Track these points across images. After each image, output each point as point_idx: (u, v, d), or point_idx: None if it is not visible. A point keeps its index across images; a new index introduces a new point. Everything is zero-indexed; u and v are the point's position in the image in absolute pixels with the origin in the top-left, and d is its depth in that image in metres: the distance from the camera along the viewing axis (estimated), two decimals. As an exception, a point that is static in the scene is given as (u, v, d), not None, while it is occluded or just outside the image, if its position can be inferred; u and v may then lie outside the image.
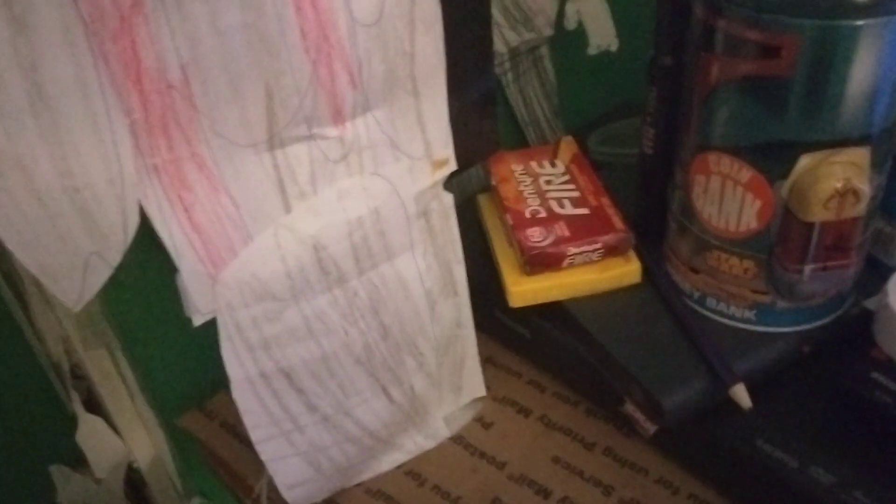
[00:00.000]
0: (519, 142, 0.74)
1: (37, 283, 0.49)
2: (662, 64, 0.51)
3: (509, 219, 0.55)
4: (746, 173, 0.44)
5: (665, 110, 0.51)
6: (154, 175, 0.40)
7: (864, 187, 0.42)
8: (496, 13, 0.66)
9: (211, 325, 0.44)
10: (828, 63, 0.40)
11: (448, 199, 0.51)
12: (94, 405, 0.55)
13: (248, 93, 0.40)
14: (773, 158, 0.43)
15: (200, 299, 0.43)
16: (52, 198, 0.37)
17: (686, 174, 0.48)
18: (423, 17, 0.45)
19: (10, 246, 0.37)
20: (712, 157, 0.45)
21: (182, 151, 0.40)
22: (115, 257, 0.40)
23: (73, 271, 0.39)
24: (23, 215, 0.36)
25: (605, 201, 0.55)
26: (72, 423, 0.54)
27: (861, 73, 0.40)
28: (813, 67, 0.40)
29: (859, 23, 0.39)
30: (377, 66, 0.44)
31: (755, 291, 0.48)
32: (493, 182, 0.59)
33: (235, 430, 0.57)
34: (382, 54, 0.44)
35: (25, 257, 0.37)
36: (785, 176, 0.43)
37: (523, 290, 0.53)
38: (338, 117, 0.44)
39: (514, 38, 0.69)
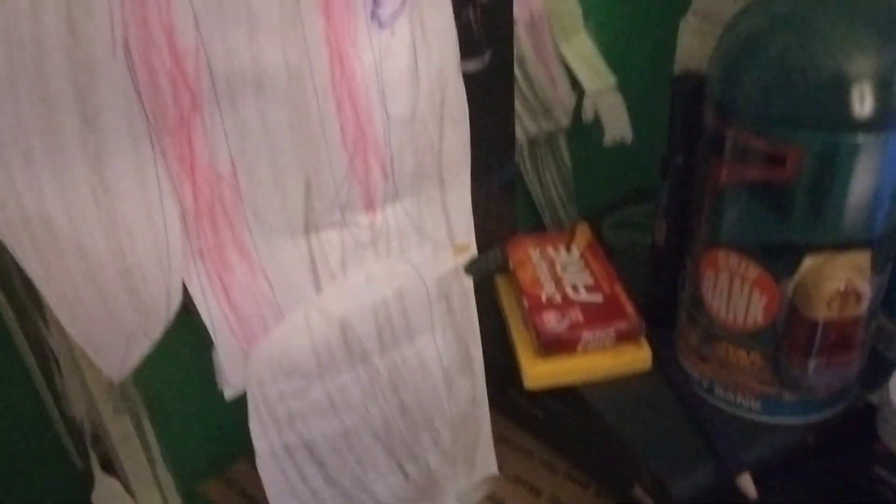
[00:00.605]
0: (535, 223, 0.77)
1: (69, 351, 0.51)
2: (674, 162, 0.54)
3: (526, 302, 0.58)
4: (754, 271, 0.47)
5: (677, 205, 0.54)
6: (199, 258, 0.42)
7: (866, 288, 0.45)
8: (517, 104, 0.70)
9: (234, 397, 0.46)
10: (830, 173, 0.43)
11: (468, 282, 0.54)
12: (110, 467, 0.57)
13: (290, 183, 0.43)
14: (778, 258, 0.46)
15: (233, 374, 0.45)
16: (104, 278, 0.39)
17: (696, 268, 0.51)
18: (451, 116, 0.48)
19: (63, 320, 0.39)
20: (721, 254, 0.48)
21: (226, 236, 0.43)
22: (157, 333, 0.42)
23: (117, 345, 0.41)
24: (77, 293, 0.39)
25: (619, 288, 0.58)
26: (80, 482, 0.55)
27: (862, 182, 0.43)
28: (816, 176, 0.43)
29: (860, 137, 0.42)
30: (408, 160, 0.48)
31: (762, 383, 0.50)
32: (511, 265, 0.62)
33: (254, 500, 0.58)
34: (413, 149, 0.48)
35: (75, 331, 0.40)
36: (790, 275, 0.46)
37: (538, 372, 0.55)
38: (369, 206, 0.47)
39: (533, 128, 0.72)
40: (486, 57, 0.51)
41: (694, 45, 0.65)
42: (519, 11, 0.64)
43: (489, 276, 0.65)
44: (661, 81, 0.77)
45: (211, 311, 0.44)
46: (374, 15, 0.42)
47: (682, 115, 0.52)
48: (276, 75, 0.40)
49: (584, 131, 0.75)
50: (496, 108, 0.54)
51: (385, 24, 0.43)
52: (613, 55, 0.72)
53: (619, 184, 0.79)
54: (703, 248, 0.50)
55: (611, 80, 0.73)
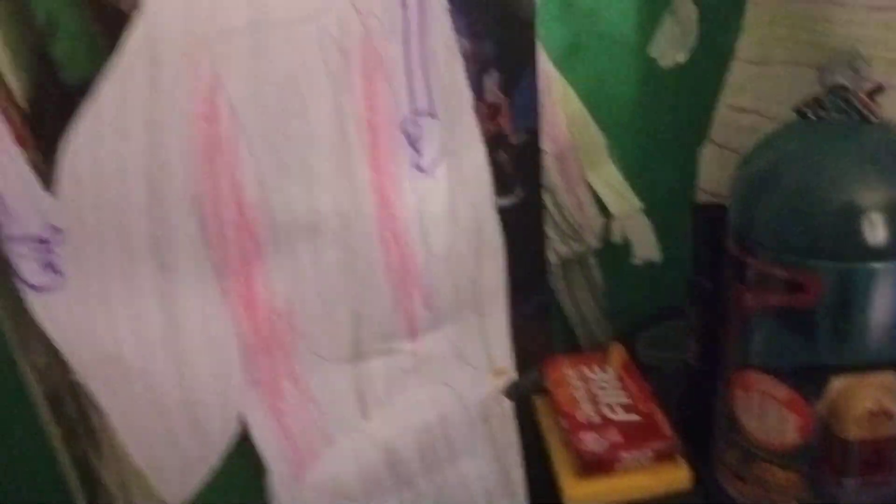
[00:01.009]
0: (569, 341, 0.79)
1: (119, 475, 0.53)
2: (701, 286, 0.56)
3: (564, 423, 0.59)
4: (784, 392, 0.48)
5: (707, 326, 0.56)
6: (255, 388, 0.45)
7: (895, 408, 0.46)
8: (549, 229, 0.73)
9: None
10: (849, 299, 0.45)
11: (507, 405, 0.56)
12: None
13: (339, 317, 0.47)
14: (807, 380, 0.47)
15: (286, 497, 0.47)
16: (169, 409, 0.42)
17: (729, 388, 0.52)
18: (488, 249, 0.52)
19: (129, 447, 0.42)
20: (752, 375, 0.50)
21: (280, 367, 0.46)
22: (215, 459, 0.45)
23: (177, 471, 0.44)
24: (144, 423, 0.42)
25: (655, 408, 0.59)
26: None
27: (881, 306, 0.45)
28: (836, 302, 0.45)
29: (875, 265, 0.44)
30: (447, 291, 0.51)
31: (800, 501, 0.50)
32: (548, 385, 0.64)
33: None
34: (452, 281, 0.51)
35: (139, 458, 0.43)
36: (820, 395, 0.47)
37: (578, 492, 0.56)
38: (412, 335, 0.50)
39: (564, 250, 0.75)
40: (518, 192, 0.55)
41: (714, 172, 0.69)
42: (547, 145, 0.68)
43: (527, 396, 0.67)
44: (685, 203, 0.80)
45: (266, 439, 0.46)
46: (416, 164, 0.46)
47: (705, 242, 0.55)
48: (329, 221, 0.44)
49: (613, 252, 0.78)
50: (529, 237, 0.57)
51: (426, 171, 0.47)
52: (638, 181, 0.75)
53: (649, 300, 0.81)
54: (734, 369, 0.52)
55: (636, 204, 0.76)
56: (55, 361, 0.59)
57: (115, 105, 0.37)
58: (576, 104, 0.71)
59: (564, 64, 0.69)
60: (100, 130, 0.37)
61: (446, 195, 0.48)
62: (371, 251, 0.46)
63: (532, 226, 0.58)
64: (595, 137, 0.74)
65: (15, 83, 0.45)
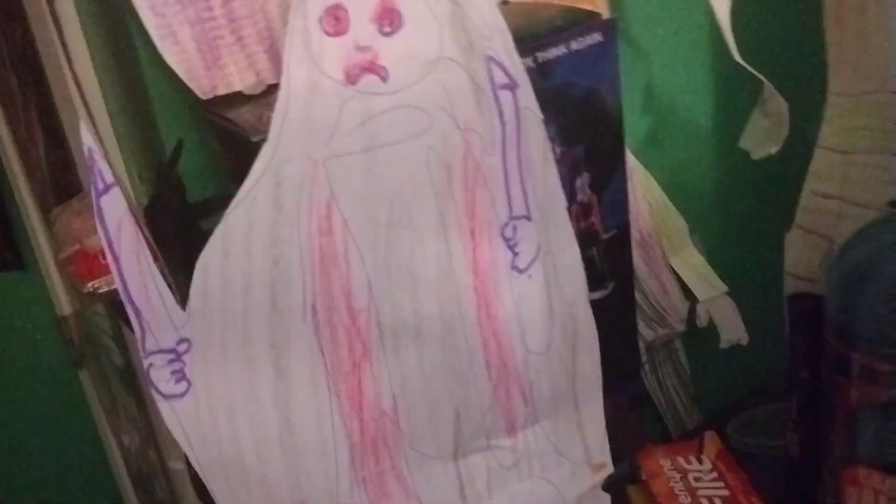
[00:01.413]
0: (658, 427, 0.78)
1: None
2: (800, 378, 0.56)
3: (663, 516, 0.58)
4: (896, 488, 0.47)
5: (807, 418, 0.56)
6: (362, 486, 0.47)
7: None
8: (634, 314, 0.74)
9: None
10: (962, 393, 0.44)
11: (606, 499, 0.56)
12: None
13: (442, 415, 0.48)
14: (921, 476, 0.46)
15: None
16: (283, 508, 0.44)
17: (836, 483, 0.51)
18: (583, 344, 0.53)
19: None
20: (861, 472, 0.49)
21: (385, 465, 0.47)
22: (324, 559, 0.46)
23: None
24: (258, 524, 0.44)
25: (755, 501, 0.58)
26: None
27: None
28: (948, 396, 0.44)
29: None
30: (545, 387, 0.52)
31: None
32: (644, 477, 0.63)
33: None
34: (550, 376, 0.52)
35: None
36: (936, 493, 0.46)
37: (681, 590, 0.55)
38: (511, 430, 0.51)
39: (649, 335, 0.75)
40: (610, 285, 0.56)
41: (801, 256, 0.68)
42: (631, 233, 0.69)
43: (622, 488, 0.67)
44: (770, 285, 0.79)
45: (372, 537, 0.47)
46: (513, 265, 0.48)
47: (801, 333, 0.54)
48: (433, 323, 0.46)
49: (699, 335, 0.78)
50: (621, 328, 0.58)
51: (523, 271, 0.49)
52: (722, 264, 0.75)
53: (739, 384, 0.80)
54: (842, 464, 0.51)
55: (721, 287, 0.76)
56: (148, 445, 0.62)
57: (243, 226, 0.40)
58: (657, 192, 0.73)
59: (645, 153, 0.70)
60: (228, 249, 0.40)
61: (543, 294, 0.50)
62: (472, 351, 0.48)
63: (624, 317, 0.58)
64: (677, 223, 0.74)
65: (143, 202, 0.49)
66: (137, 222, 0.37)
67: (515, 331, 0.49)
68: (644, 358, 0.77)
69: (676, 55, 0.70)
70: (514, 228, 0.47)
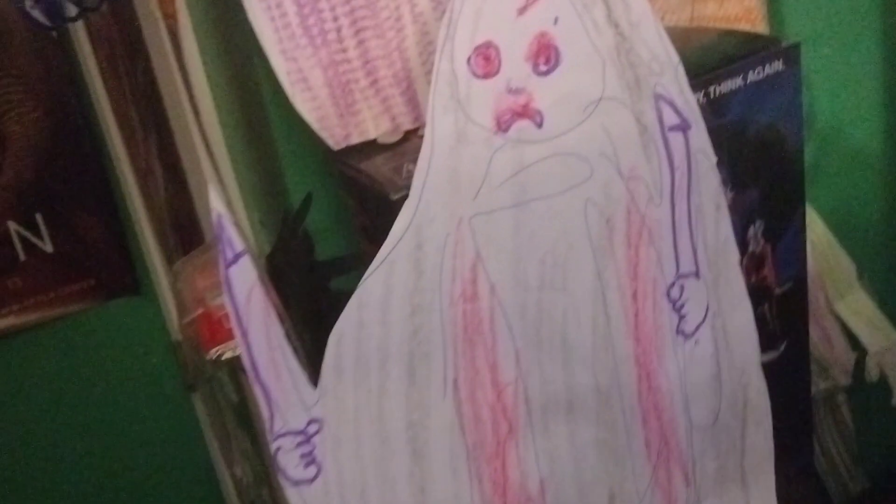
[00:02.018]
0: (818, 492, 0.69)
1: None
2: None
3: None
4: None
5: None
6: (504, 578, 0.41)
7: None
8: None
9: None
10: None
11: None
12: None
13: (594, 498, 0.42)
14: None
15: None
16: None
17: None
18: (754, 415, 0.46)
19: None
20: None
21: (531, 554, 0.42)
22: None
23: None
24: None
25: None
26: None
27: None
28: None
29: None
30: (709, 464, 0.45)
31: None
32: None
33: None
34: (715, 453, 0.45)
35: None
36: None
37: None
38: (671, 514, 0.45)
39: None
40: (783, 345, 0.49)
41: None
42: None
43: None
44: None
45: None
46: (680, 329, 0.42)
47: None
48: (587, 397, 0.40)
49: (867, 390, 0.69)
50: (795, 393, 0.51)
51: (690, 336, 0.42)
52: (895, 311, 0.67)
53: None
54: None
55: (894, 336, 0.67)
56: (262, 483, 0.58)
57: (381, 293, 0.35)
58: (820, 228, 0.65)
59: (807, 187, 0.62)
60: (364, 319, 0.35)
61: (711, 360, 0.43)
62: (630, 427, 0.42)
63: (797, 379, 0.51)
64: (843, 264, 0.66)
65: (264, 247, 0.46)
66: (267, 291, 0.33)
67: (679, 403, 0.43)
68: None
69: (842, 78, 0.62)
70: (682, 288, 0.41)
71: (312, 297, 0.43)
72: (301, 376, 0.35)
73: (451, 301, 0.37)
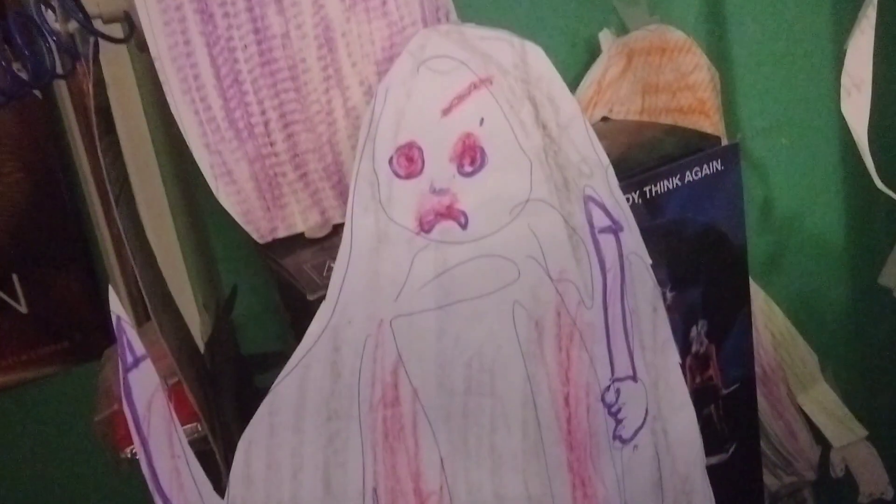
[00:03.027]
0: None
1: None
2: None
3: None
4: None
5: None
6: None
7: None
8: (754, 461, 0.64)
9: None
10: None
11: None
12: None
13: None
14: None
15: None
16: None
17: None
18: None
19: None
20: None
21: None
22: None
23: None
24: None
25: None
26: None
27: None
28: None
29: None
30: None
31: None
32: None
33: None
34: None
35: None
36: None
37: None
38: None
39: (774, 483, 0.65)
40: (730, 448, 0.48)
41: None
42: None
43: None
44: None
45: None
46: (617, 434, 0.40)
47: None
48: (518, 507, 0.38)
49: (833, 486, 0.66)
50: (744, 499, 0.49)
51: (627, 441, 0.41)
52: (860, 405, 0.65)
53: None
54: None
55: (860, 431, 0.65)
56: None
57: (294, 398, 0.34)
58: (780, 320, 0.64)
59: (766, 277, 0.62)
60: (276, 426, 0.34)
61: (651, 466, 0.42)
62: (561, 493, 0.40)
63: (748, 483, 0.49)
64: (805, 356, 0.65)
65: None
66: (171, 396, 0.32)
67: (618, 513, 0.41)
68: (767, 510, 0.66)
69: (799, 167, 0.62)
70: (618, 392, 0.40)
71: (238, 393, 0.42)
72: (206, 486, 0.33)
73: (371, 406, 0.35)
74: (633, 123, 0.47)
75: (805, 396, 0.65)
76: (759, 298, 0.62)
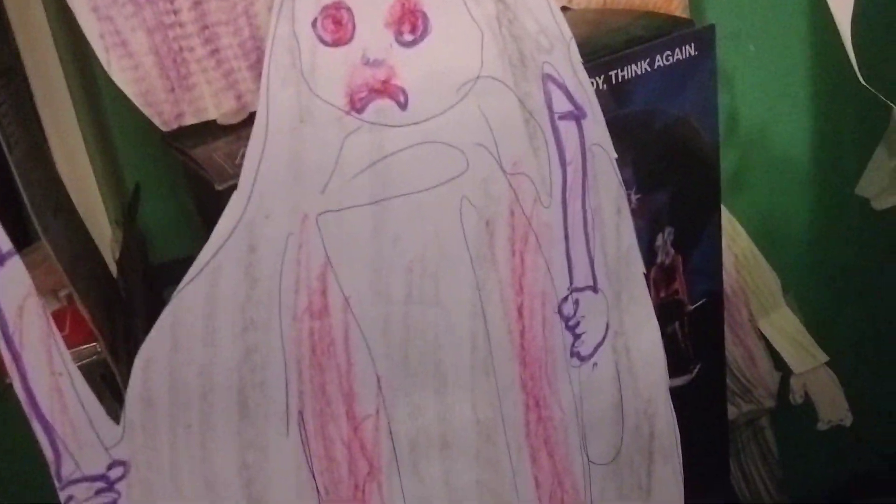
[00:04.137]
0: (740, 523, 0.65)
1: None
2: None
3: None
4: None
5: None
6: None
7: None
8: (712, 388, 0.61)
9: None
10: None
11: None
12: None
13: (476, 548, 0.36)
14: None
15: None
16: None
17: None
18: (661, 450, 0.41)
19: None
20: None
21: None
22: None
23: None
24: None
25: None
26: None
27: None
28: None
29: None
30: (612, 505, 0.40)
31: None
32: None
33: None
34: (618, 493, 0.40)
35: None
36: None
37: None
38: (567, 563, 0.39)
39: (732, 412, 0.63)
40: (695, 369, 0.44)
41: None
42: (711, 291, 0.57)
43: None
44: (882, 355, 0.66)
45: None
46: (574, 351, 0.36)
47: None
48: (465, 432, 0.34)
49: (792, 413, 0.65)
50: (707, 423, 0.46)
51: (586, 358, 0.37)
52: (822, 330, 0.63)
53: (838, 472, 0.67)
54: None
55: (821, 357, 0.63)
56: None
57: (202, 307, 0.29)
58: (743, 241, 0.60)
59: (730, 196, 0.58)
60: (180, 340, 0.29)
61: (612, 386, 0.38)
62: (517, 466, 0.36)
63: (713, 407, 0.46)
64: (767, 279, 0.62)
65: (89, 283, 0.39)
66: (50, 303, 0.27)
67: (574, 438, 0.37)
68: (723, 439, 0.64)
69: (767, 78, 0.58)
70: (576, 303, 0.35)
71: (148, 309, 0.37)
72: (97, 409, 0.28)
73: (295, 316, 0.30)
74: (596, 11, 0.42)
75: (766, 321, 0.63)
76: (724, 218, 0.59)
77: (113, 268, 0.42)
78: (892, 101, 0.46)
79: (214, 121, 0.33)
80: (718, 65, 0.56)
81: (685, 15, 0.52)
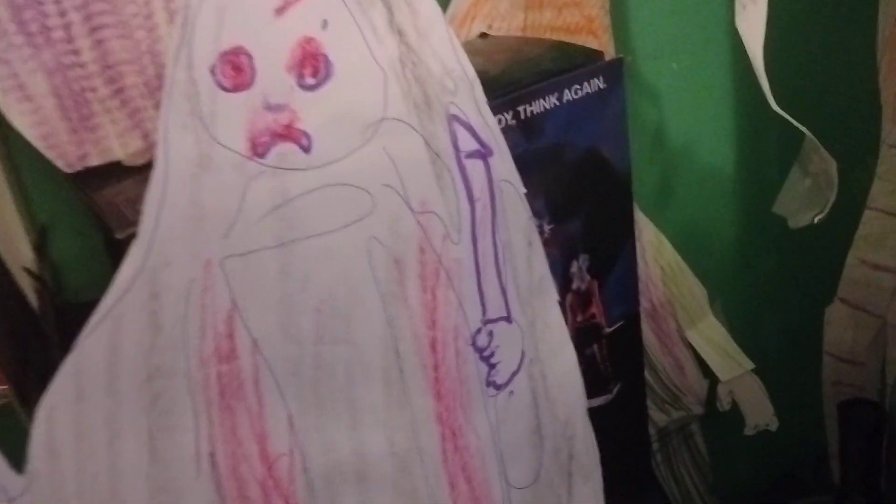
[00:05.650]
0: (672, 526, 0.67)
1: None
2: (855, 500, 0.45)
3: None
4: None
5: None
6: None
7: None
8: (642, 397, 0.63)
9: None
10: None
11: None
12: None
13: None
14: None
15: None
16: None
17: None
18: (580, 470, 0.41)
19: None
20: None
21: None
22: None
23: None
24: None
25: None
26: None
27: None
28: None
29: None
30: (533, 528, 0.40)
31: None
32: None
33: None
34: (539, 514, 0.40)
35: None
36: None
37: None
38: (489, 584, 0.40)
39: (662, 419, 0.64)
40: (615, 389, 0.45)
41: (846, 337, 0.57)
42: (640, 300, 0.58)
43: None
44: (806, 363, 0.68)
45: None
46: (490, 380, 0.37)
47: (857, 448, 0.43)
48: (381, 465, 0.35)
49: (720, 419, 0.66)
50: (628, 440, 0.47)
51: (502, 387, 0.37)
52: (747, 338, 0.64)
53: (765, 474, 0.69)
54: None
55: (746, 364, 0.65)
56: None
57: (105, 355, 0.29)
58: (670, 254, 0.62)
59: (656, 209, 0.59)
60: (84, 389, 0.29)
61: (529, 412, 0.39)
62: (435, 494, 0.36)
63: (633, 425, 0.47)
64: (694, 290, 0.63)
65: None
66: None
67: (492, 464, 0.38)
68: (655, 446, 0.65)
69: (693, 94, 0.59)
70: (490, 335, 0.36)
71: (63, 352, 0.36)
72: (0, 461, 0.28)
73: (202, 361, 0.30)
74: (513, 40, 0.43)
75: (693, 331, 0.64)
76: (650, 232, 0.60)
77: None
78: (804, 125, 0.48)
79: (120, 162, 0.33)
80: (642, 81, 0.57)
81: (607, 36, 0.53)
